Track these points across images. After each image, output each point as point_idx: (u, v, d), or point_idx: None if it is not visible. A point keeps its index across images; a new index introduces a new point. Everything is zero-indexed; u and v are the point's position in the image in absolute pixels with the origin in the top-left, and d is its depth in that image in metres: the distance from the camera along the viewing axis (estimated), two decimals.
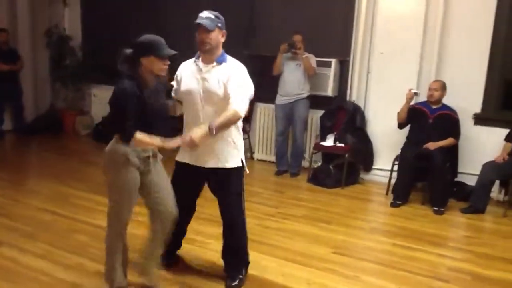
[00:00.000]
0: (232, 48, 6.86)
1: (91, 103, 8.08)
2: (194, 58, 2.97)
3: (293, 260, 3.52)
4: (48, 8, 7.94)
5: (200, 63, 2.90)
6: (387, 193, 5.24)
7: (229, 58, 2.97)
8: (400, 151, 5.08)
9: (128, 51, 2.66)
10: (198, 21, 2.79)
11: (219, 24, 2.86)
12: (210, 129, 2.64)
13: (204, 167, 2.98)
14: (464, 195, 5.05)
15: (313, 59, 5.67)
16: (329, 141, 5.59)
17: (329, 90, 5.85)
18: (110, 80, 7.57)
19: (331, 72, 5.81)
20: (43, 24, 7.81)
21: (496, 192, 5.09)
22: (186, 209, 3.16)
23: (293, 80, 5.73)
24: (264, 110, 6.42)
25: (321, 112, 5.91)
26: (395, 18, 5.49)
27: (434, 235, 4.20)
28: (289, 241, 3.89)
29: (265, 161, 6.49)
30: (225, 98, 2.81)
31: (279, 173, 5.96)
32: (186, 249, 3.59)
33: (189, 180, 3.09)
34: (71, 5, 7.95)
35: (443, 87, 5.03)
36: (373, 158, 5.77)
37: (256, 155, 6.59)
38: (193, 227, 4.01)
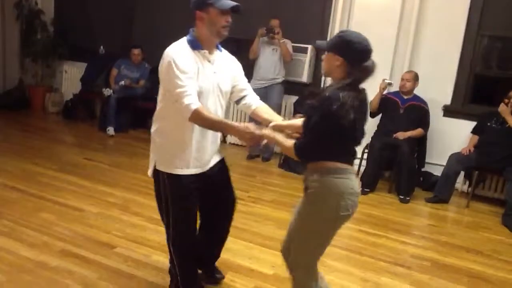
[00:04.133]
0: None
1: (62, 80, 7.91)
2: (187, 45, 2.38)
3: (261, 244, 3.55)
4: None
5: (205, 53, 2.42)
6: None
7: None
8: (370, 140, 5.15)
9: None
10: (234, 4, 2.43)
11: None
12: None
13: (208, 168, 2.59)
14: (430, 185, 5.18)
15: (289, 45, 5.67)
16: None
17: (304, 76, 5.87)
18: (81, 57, 7.46)
19: (307, 58, 5.83)
20: None
21: (461, 183, 5.23)
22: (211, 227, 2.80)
23: (269, 65, 5.73)
24: None
25: (295, 98, 5.94)
26: (372, 9, 5.53)
27: (399, 223, 4.30)
28: (258, 225, 3.92)
29: (237, 145, 6.49)
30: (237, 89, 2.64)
31: (250, 157, 5.98)
32: (154, 230, 3.57)
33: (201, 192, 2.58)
34: None
35: (415, 78, 5.11)
36: None
37: (229, 139, 6.58)
38: None
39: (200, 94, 2.34)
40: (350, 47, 2.05)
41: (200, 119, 2.29)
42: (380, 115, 5.27)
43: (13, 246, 3.15)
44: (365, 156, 5.19)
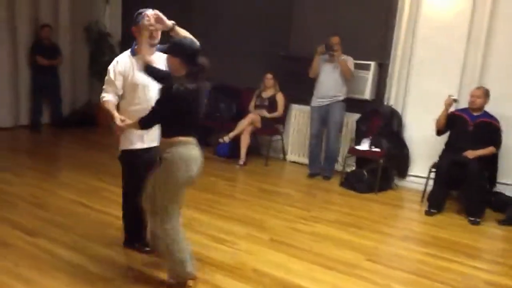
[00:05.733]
0: (268, 49, 6.92)
1: None
2: (129, 53, 3.23)
3: (322, 265, 3.46)
4: (90, 5, 8.10)
5: (136, 58, 3.12)
6: (422, 201, 5.11)
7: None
8: (438, 158, 4.94)
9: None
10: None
11: None
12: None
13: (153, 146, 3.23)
14: (502, 206, 4.88)
15: (350, 62, 5.58)
16: (364, 146, 5.50)
17: (367, 93, 5.76)
18: None
19: (370, 75, 5.72)
20: (84, 20, 7.98)
21: None
22: None
23: (329, 83, 5.66)
24: (299, 112, 6.38)
25: (357, 116, 5.83)
26: (438, 23, 5.36)
27: (469, 246, 4.07)
28: (319, 245, 3.84)
29: (297, 163, 6.44)
30: None
31: (311, 175, 5.90)
32: (216, 249, 3.59)
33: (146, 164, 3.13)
34: (112, 2, 8.10)
35: (486, 94, 4.87)
36: (409, 164, 5.64)
37: (289, 157, 6.55)
38: (224, 227, 4.04)
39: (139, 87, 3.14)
40: (183, 49, 2.74)
41: (103, 107, 3.20)
42: (448, 133, 5.05)
43: (80, 260, 3.25)
44: (432, 175, 4.98)
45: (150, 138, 3.22)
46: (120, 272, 3.13)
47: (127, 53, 3.24)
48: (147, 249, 3.33)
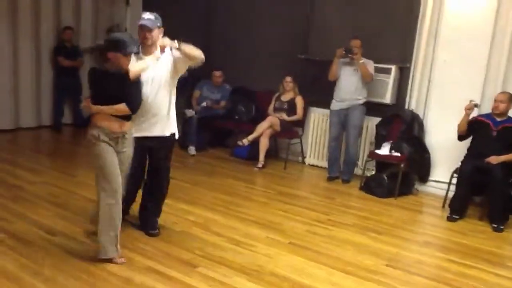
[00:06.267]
0: (288, 52, 6.90)
1: None
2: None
3: (342, 270, 3.42)
4: (111, 7, 8.19)
5: (141, 55, 3.38)
6: (443, 206, 5.04)
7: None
8: (460, 163, 4.86)
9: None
10: (141, 22, 3.37)
11: (158, 24, 3.40)
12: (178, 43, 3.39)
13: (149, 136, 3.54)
14: None
15: (370, 65, 5.53)
16: (384, 150, 5.43)
17: (387, 97, 5.70)
18: None
19: (391, 79, 5.66)
20: (105, 22, 8.07)
21: None
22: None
23: (349, 86, 5.62)
24: (318, 115, 6.34)
25: (377, 120, 5.77)
26: (461, 26, 5.27)
27: (492, 253, 3.99)
28: (338, 249, 3.80)
29: (316, 166, 6.41)
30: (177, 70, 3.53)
31: (330, 179, 5.86)
32: (233, 251, 3.58)
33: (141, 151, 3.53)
34: (133, 5, 8.17)
35: (510, 99, 4.78)
36: (430, 169, 5.56)
37: (308, 160, 6.52)
38: (242, 229, 4.03)
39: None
40: (122, 44, 3.03)
41: None
42: (470, 138, 4.97)
43: (100, 260, 3.25)
44: (454, 180, 4.90)
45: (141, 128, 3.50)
46: (140, 272, 3.14)
47: None
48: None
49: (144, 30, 3.37)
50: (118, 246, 3.23)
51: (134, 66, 3.15)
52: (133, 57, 3.18)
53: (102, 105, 3.08)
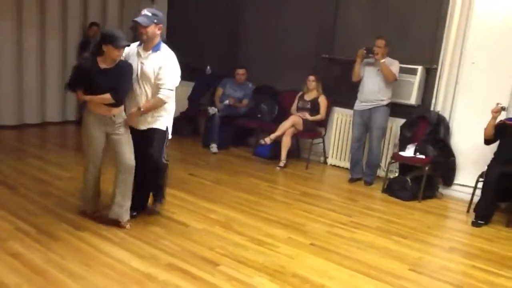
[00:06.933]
0: (312, 51, 6.87)
1: None
2: (137, 43, 3.75)
3: (364, 273, 3.40)
4: (137, 5, 8.24)
5: (141, 49, 3.68)
6: (468, 211, 4.96)
7: (163, 46, 3.71)
8: (486, 168, 4.78)
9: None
10: (135, 19, 3.62)
11: (155, 20, 3.61)
12: (139, 109, 3.63)
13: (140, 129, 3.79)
14: None
15: (394, 65, 5.45)
16: (408, 152, 5.37)
17: (413, 98, 5.63)
18: (189, 77, 7.76)
19: (416, 80, 5.59)
20: (131, 19, 8.10)
21: None
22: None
23: (373, 86, 5.56)
24: (341, 115, 6.30)
25: (401, 121, 5.70)
26: (492, 29, 5.16)
27: None
28: (360, 252, 3.77)
29: (338, 167, 6.37)
30: (156, 83, 3.63)
31: (352, 180, 5.82)
32: (255, 250, 3.59)
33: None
34: (158, 3, 8.21)
35: None
36: (455, 173, 5.48)
37: (330, 160, 6.48)
38: (263, 228, 4.03)
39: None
40: (114, 38, 3.47)
41: None
42: (497, 142, 4.88)
43: (124, 256, 3.30)
44: (480, 184, 4.82)
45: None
46: (164, 269, 3.16)
47: (138, 42, 3.78)
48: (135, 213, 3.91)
49: (139, 26, 3.59)
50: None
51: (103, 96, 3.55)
52: (134, 56, 3.66)
53: (91, 95, 3.59)
